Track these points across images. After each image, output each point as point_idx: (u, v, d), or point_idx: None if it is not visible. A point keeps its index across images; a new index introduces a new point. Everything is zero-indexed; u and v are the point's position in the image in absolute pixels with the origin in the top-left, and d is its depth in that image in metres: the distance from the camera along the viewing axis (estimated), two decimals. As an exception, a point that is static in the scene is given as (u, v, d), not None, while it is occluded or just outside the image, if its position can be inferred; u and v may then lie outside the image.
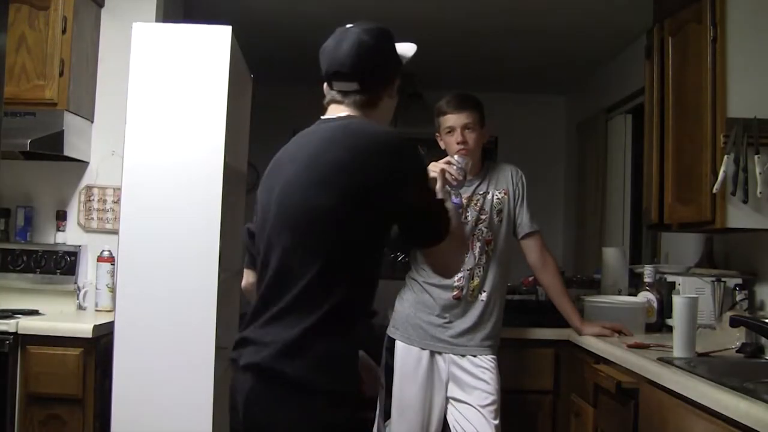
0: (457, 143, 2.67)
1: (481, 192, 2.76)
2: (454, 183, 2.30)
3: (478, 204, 2.74)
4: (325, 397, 1.59)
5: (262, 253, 1.74)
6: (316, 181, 1.65)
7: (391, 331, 2.79)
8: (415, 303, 2.74)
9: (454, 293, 2.68)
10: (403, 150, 1.69)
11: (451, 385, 2.70)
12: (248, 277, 1.97)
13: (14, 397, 2.78)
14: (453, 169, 2.29)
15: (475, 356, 2.68)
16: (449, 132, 2.71)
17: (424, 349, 2.68)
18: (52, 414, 2.80)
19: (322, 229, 1.64)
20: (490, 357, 2.69)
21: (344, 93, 1.78)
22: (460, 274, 2.67)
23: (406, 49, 1.88)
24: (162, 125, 2.78)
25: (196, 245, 2.76)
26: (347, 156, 1.65)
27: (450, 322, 2.69)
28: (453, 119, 2.71)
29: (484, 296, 2.70)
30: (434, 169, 2.14)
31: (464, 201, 2.69)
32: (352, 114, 1.77)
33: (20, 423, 2.79)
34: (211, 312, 2.74)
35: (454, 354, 2.69)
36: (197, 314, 2.73)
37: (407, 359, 2.71)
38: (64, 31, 3.10)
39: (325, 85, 1.83)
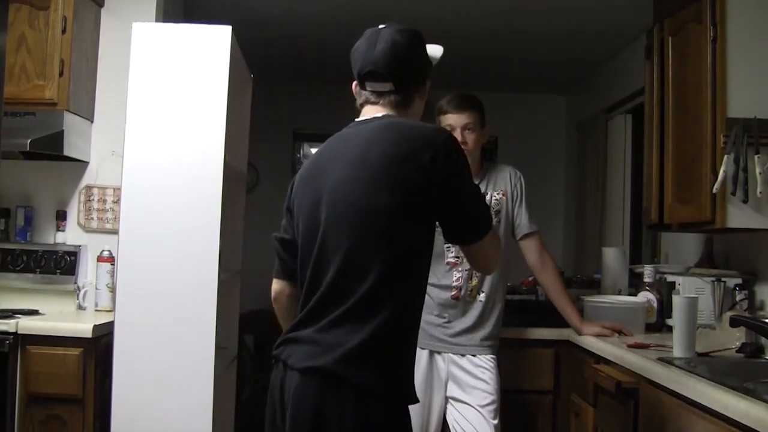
0: (457, 136, 2.66)
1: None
2: None
3: None
4: (385, 401, 1.63)
5: (314, 259, 1.70)
6: (372, 180, 1.65)
7: None
8: None
9: (453, 293, 2.69)
10: (450, 144, 1.71)
11: (450, 385, 2.70)
12: (279, 287, 1.92)
13: (14, 397, 2.78)
14: None
15: (474, 356, 2.68)
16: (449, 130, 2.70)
17: (423, 348, 2.68)
18: (52, 414, 2.80)
19: (384, 227, 1.64)
20: (489, 357, 2.70)
21: (379, 93, 1.79)
22: (458, 275, 2.67)
23: (434, 50, 1.89)
24: (162, 125, 2.78)
25: (196, 245, 2.76)
26: (397, 152, 1.66)
27: (449, 321, 2.70)
28: (453, 119, 2.72)
29: (482, 297, 2.71)
30: None
31: None
32: (389, 113, 1.78)
33: (20, 423, 2.79)
34: (211, 312, 2.74)
35: (454, 353, 2.69)
36: (197, 314, 2.73)
37: None
38: (64, 31, 3.10)
39: (355, 86, 1.85)
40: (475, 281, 2.69)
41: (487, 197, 2.75)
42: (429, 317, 2.69)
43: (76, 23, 3.16)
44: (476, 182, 2.70)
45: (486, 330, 2.70)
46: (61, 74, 3.08)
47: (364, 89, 1.82)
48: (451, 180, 1.68)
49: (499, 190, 2.79)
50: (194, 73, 2.81)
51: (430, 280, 2.65)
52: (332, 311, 1.64)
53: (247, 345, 5.10)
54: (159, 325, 2.72)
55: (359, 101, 1.84)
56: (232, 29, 2.85)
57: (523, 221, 2.81)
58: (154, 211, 2.76)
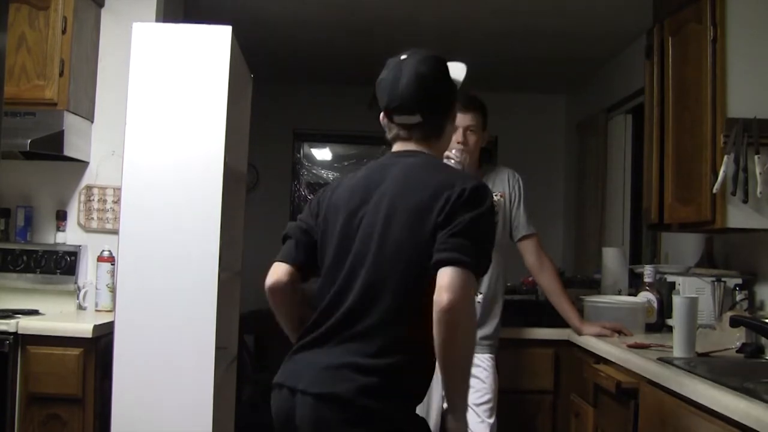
0: (457, 142, 2.68)
1: None
2: None
3: None
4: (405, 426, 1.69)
5: (339, 284, 1.72)
6: (399, 223, 1.68)
7: None
8: None
9: None
10: (474, 192, 1.67)
11: None
12: (283, 270, 1.85)
13: (14, 397, 2.78)
14: (450, 163, 2.32)
15: None
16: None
17: None
18: (52, 414, 2.80)
19: (405, 266, 1.67)
20: (487, 356, 2.70)
21: (408, 127, 1.79)
22: None
23: (457, 71, 1.87)
24: (162, 125, 2.78)
25: (196, 245, 2.76)
26: (427, 201, 1.66)
27: None
28: (457, 119, 2.73)
29: (479, 298, 2.72)
30: None
31: None
32: (422, 150, 1.79)
33: (20, 423, 2.79)
34: (211, 312, 2.74)
35: None
36: (197, 314, 2.73)
37: None
38: (64, 31, 3.10)
39: (383, 118, 1.83)
40: None
41: None
42: None
43: (76, 23, 3.16)
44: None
45: (484, 330, 2.71)
46: (61, 74, 3.08)
47: (392, 122, 1.81)
48: (467, 205, 1.65)
49: (497, 191, 2.81)
50: (194, 73, 2.81)
51: None
52: (347, 337, 1.67)
53: (247, 345, 5.10)
54: (159, 325, 2.72)
55: (390, 135, 1.84)
56: (232, 29, 2.85)
57: (521, 222, 2.82)
58: (154, 211, 2.76)
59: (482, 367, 2.67)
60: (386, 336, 1.65)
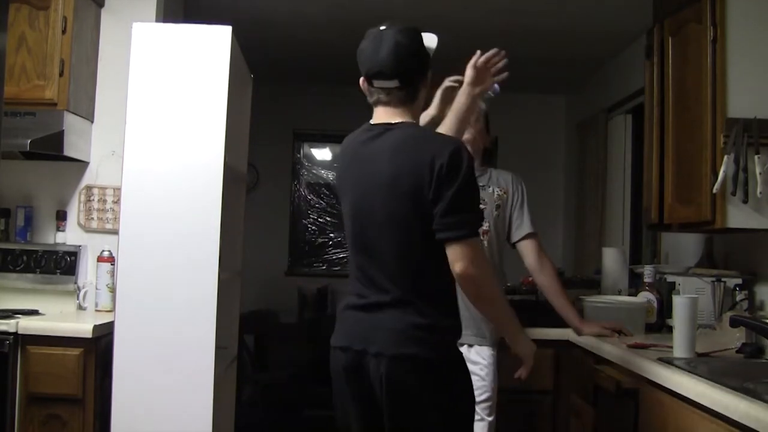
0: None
1: (482, 184, 2.77)
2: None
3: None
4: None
5: (360, 247, 2.02)
6: (389, 192, 1.92)
7: None
8: None
9: None
10: (457, 153, 1.88)
11: None
12: None
13: (14, 397, 2.78)
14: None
15: (471, 345, 2.69)
16: None
17: None
18: (52, 414, 2.80)
19: (401, 232, 1.94)
20: (486, 349, 2.70)
21: (387, 91, 1.97)
22: None
23: (430, 41, 2.06)
24: (162, 125, 2.78)
25: (196, 245, 2.76)
26: (411, 166, 1.89)
27: None
28: None
29: None
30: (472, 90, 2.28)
31: None
32: (403, 120, 1.98)
33: (20, 423, 2.79)
34: (211, 312, 2.74)
35: None
36: (197, 314, 2.73)
37: None
38: (64, 31, 3.10)
39: (363, 83, 2.02)
40: None
41: (489, 190, 2.82)
42: None
43: (76, 23, 3.16)
44: (479, 174, 2.75)
45: (485, 323, 2.70)
46: (61, 74, 3.08)
47: (372, 86, 1.99)
48: (448, 180, 1.86)
49: (501, 187, 2.85)
50: (194, 74, 2.81)
51: None
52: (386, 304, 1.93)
53: (247, 345, 5.10)
54: (159, 324, 2.72)
55: (371, 99, 2.03)
56: (232, 29, 2.84)
57: (524, 221, 2.85)
58: (154, 211, 2.75)
59: (482, 363, 2.67)
60: (414, 300, 1.91)
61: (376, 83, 1.97)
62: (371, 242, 1.98)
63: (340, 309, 2.08)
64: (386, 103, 1.99)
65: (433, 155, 1.87)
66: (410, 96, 1.99)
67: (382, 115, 2.01)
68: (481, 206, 2.71)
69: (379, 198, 1.94)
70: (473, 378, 2.64)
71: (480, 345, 2.69)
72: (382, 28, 1.99)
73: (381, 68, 1.94)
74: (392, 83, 1.95)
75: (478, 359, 2.68)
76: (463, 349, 2.67)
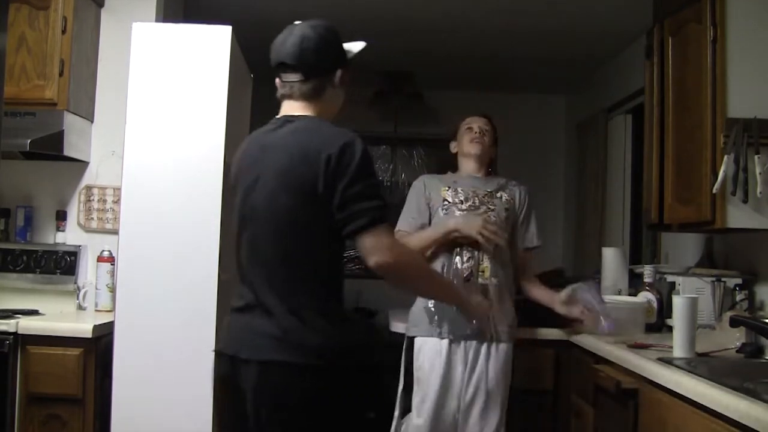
0: (474, 132, 2.88)
1: (491, 189, 2.88)
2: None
3: (487, 197, 2.85)
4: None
5: (245, 248, 1.91)
6: (279, 185, 1.84)
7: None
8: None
9: (464, 275, 2.74)
10: (350, 146, 1.83)
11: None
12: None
13: (14, 397, 2.78)
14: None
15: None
16: (468, 130, 2.91)
17: (443, 338, 2.72)
18: (52, 414, 2.80)
19: (287, 225, 1.84)
20: (504, 345, 2.76)
21: (291, 85, 1.95)
22: (468, 254, 2.74)
23: (353, 45, 2.04)
24: (162, 125, 2.78)
25: (196, 245, 2.76)
26: (301, 159, 1.82)
27: None
28: (474, 120, 2.94)
29: (495, 281, 2.75)
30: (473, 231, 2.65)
31: (473, 192, 2.83)
32: (304, 113, 1.94)
33: (20, 423, 2.79)
34: (211, 312, 2.74)
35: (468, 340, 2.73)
36: (197, 314, 2.73)
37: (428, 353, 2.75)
38: (64, 31, 3.10)
39: (277, 80, 1.99)
40: (485, 264, 2.77)
41: (498, 194, 2.88)
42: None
43: (76, 23, 3.16)
44: (488, 180, 2.88)
45: (506, 318, 2.79)
46: (61, 74, 3.08)
47: (281, 80, 1.97)
48: (339, 173, 1.79)
49: (508, 194, 2.91)
50: (194, 73, 2.81)
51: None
52: (266, 300, 1.82)
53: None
54: (159, 325, 2.72)
55: (278, 93, 1.99)
56: (232, 29, 2.84)
57: (533, 233, 2.94)
58: (154, 211, 2.76)
59: (494, 359, 2.72)
60: (295, 304, 1.80)
61: (283, 77, 1.95)
62: (254, 239, 1.88)
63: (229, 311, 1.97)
64: (290, 97, 1.96)
65: (324, 148, 1.81)
66: (315, 91, 1.94)
67: (286, 108, 1.98)
68: (490, 207, 2.81)
69: (267, 192, 1.85)
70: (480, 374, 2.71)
71: (496, 342, 2.74)
72: (297, 22, 1.98)
73: (283, 60, 1.93)
74: (295, 76, 1.93)
75: (491, 352, 2.73)
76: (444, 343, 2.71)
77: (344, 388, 1.81)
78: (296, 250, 1.83)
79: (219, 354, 1.90)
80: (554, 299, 2.86)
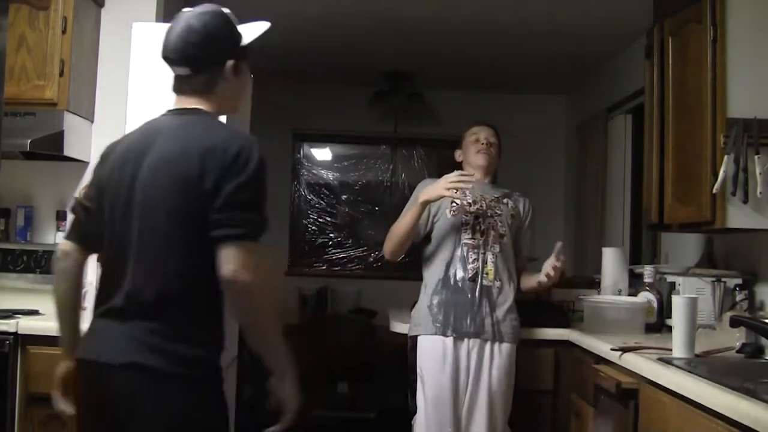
0: (481, 144, 2.92)
1: (497, 195, 2.94)
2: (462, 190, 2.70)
3: (494, 201, 2.90)
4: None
5: (115, 250, 1.78)
6: (162, 182, 1.70)
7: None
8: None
9: (470, 275, 2.78)
10: (243, 151, 1.70)
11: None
12: (68, 248, 1.94)
13: (14, 397, 2.78)
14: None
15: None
16: (475, 141, 2.95)
17: (447, 336, 2.75)
18: (52, 414, 2.77)
19: (169, 227, 1.69)
20: (507, 346, 2.80)
21: (180, 79, 1.82)
22: (473, 255, 2.79)
23: (251, 30, 1.91)
24: (162, 125, 2.78)
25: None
26: (186, 159, 1.68)
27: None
28: (481, 130, 2.98)
29: (498, 284, 2.81)
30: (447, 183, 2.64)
31: (480, 196, 2.87)
32: (195, 106, 1.81)
33: (20, 423, 2.78)
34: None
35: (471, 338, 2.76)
36: (197, 314, 2.72)
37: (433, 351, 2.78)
38: (64, 31, 3.10)
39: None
40: (490, 266, 2.81)
41: (504, 200, 2.93)
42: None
43: (76, 23, 3.16)
44: (495, 188, 2.94)
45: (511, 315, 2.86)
46: (61, 74, 3.08)
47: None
48: (232, 173, 1.66)
49: (513, 203, 2.96)
50: (194, 73, 2.80)
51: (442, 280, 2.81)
52: (134, 313, 1.69)
53: (248, 345, 5.10)
54: (159, 325, 2.71)
55: (171, 87, 1.86)
56: (232, 29, 2.84)
57: (527, 245, 3.00)
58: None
59: (497, 360, 2.76)
60: (168, 313, 1.67)
61: (173, 70, 1.82)
62: (120, 234, 1.73)
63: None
64: (180, 91, 1.83)
65: (218, 144, 1.68)
66: (206, 85, 1.80)
67: (176, 102, 1.84)
68: (497, 212, 2.85)
69: (146, 185, 1.70)
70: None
71: (498, 342, 2.78)
72: (185, 9, 1.84)
73: (167, 53, 1.79)
74: (182, 70, 1.79)
75: (495, 352, 2.76)
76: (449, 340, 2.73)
77: (208, 400, 1.71)
78: (170, 250, 1.68)
79: (81, 360, 1.76)
80: (537, 280, 2.91)
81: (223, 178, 1.65)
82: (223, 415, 1.74)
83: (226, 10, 1.86)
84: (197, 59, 1.80)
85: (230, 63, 1.83)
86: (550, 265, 2.81)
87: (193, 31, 1.78)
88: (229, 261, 1.62)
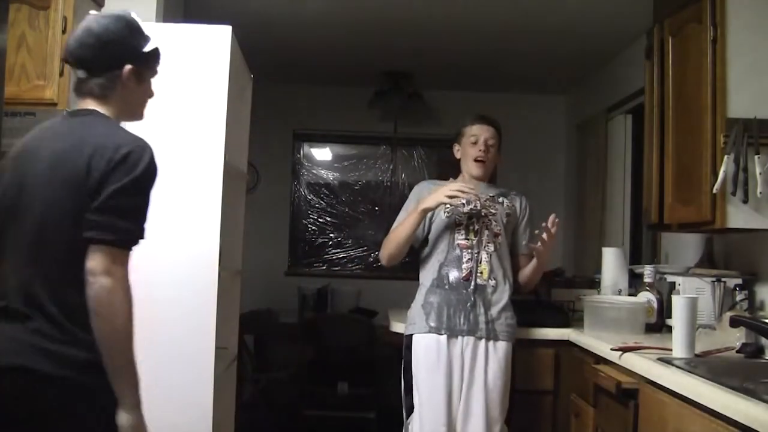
0: (480, 150, 2.89)
1: (493, 194, 2.93)
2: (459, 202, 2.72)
3: (489, 201, 2.90)
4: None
5: (14, 251, 1.73)
6: (52, 181, 1.70)
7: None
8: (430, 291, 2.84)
9: (464, 275, 2.78)
10: (130, 155, 1.71)
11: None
12: None
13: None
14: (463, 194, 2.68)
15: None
16: (473, 143, 2.91)
17: (441, 334, 2.75)
18: (52, 414, 2.79)
19: (56, 226, 1.69)
20: (503, 344, 2.79)
21: (80, 81, 1.83)
22: (468, 255, 2.79)
23: (155, 35, 1.90)
24: (162, 125, 2.78)
25: (196, 245, 2.76)
26: (76, 158, 1.68)
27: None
28: (479, 130, 2.92)
29: (493, 283, 2.81)
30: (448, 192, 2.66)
31: (475, 196, 2.84)
32: (93, 108, 1.82)
33: (20, 423, 2.78)
34: (211, 312, 2.74)
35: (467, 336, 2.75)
36: (197, 314, 2.73)
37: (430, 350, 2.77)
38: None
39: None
40: (484, 266, 2.82)
41: (500, 199, 2.93)
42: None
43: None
44: (492, 186, 2.93)
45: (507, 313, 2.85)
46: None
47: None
48: (116, 174, 1.67)
49: (510, 202, 2.96)
50: (194, 74, 2.81)
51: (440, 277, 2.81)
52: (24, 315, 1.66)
53: (247, 345, 5.10)
54: (159, 324, 2.71)
55: (72, 89, 1.87)
56: (232, 29, 2.84)
57: (526, 242, 2.98)
58: (153, 210, 2.74)
59: (493, 357, 2.75)
60: (52, 312, 1.65)
61: (73, 71, 1.83)
62: (11, 234, 1.73)
63: None
64: (78, 93, 1.83)
65: (109, 144, 1.69)
66: (103, 88, 1.81)
67: (79, 104, 1.84)
68: (492, 211, 2.84)
69: (29, 184, 1.72)
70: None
71: (494, 340, 2.77)
72: (91, 12, 1.88)
73: (65, 54, 1.82)
74: (80, 73, 1.81)
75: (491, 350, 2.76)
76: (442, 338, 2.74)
77: (93, 400, 1.66)
78: (55, 249, 1.68)
79: None
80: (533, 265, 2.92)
81: (108, 177, 1.66)
82: (109, 414, 1.67)
83: (132, 15, 1.86)
84: (92, 62, 1.81)
85: (128, 68, 1.83)
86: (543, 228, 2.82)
87: (92, 34, 1.79)
88: (92, 260, 1.63)
